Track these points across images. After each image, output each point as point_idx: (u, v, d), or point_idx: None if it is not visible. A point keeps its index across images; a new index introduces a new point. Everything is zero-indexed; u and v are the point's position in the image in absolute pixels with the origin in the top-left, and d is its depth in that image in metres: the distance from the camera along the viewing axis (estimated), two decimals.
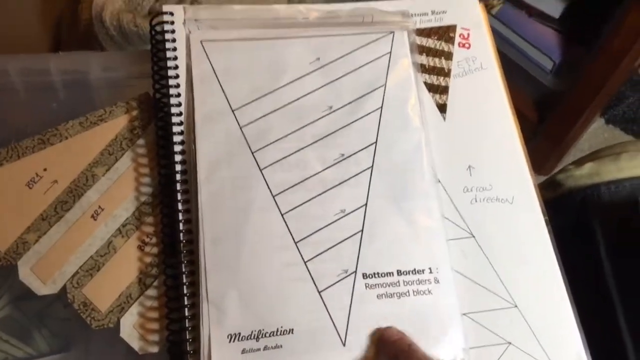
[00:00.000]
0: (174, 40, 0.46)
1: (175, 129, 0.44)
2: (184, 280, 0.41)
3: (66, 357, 0.45)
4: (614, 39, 0.98)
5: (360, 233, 0.43)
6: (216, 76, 0.45)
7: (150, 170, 0.45)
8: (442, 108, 0.47)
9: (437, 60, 0.48)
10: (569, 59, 1.10)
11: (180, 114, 0.44)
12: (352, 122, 0.45)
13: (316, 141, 0.45)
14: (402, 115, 0.46)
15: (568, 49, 1.11)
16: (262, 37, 0.47)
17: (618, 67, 1.00)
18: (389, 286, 0.42)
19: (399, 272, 0.42)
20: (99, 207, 0.44)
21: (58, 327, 0.45)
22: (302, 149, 0.44)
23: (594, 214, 0.53)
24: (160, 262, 0.43)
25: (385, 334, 0.40)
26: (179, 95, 0.45)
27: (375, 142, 0.45)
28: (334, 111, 0.45)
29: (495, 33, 1.12)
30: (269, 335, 0.40)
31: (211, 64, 0.46)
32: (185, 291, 0.41)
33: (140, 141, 0.46)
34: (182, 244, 0.41)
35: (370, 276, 0.42)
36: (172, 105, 0.44)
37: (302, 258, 0.42)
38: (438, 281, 0.42)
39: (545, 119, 1.17)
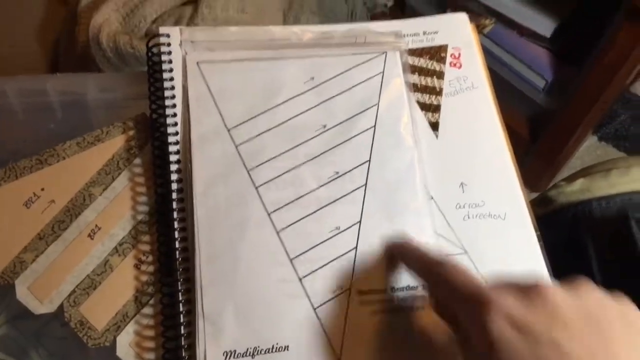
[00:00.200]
0: (170, 62, 0.47)
1: (172, 148, 0.44)
2: (180, 298, 0.41)
3: None
4: (604, 57, 0.99)
5: (354, 250, 0.43)
6: (212, 96, 0.46)
7: (146, 190, 0.45)
8: (434, 126, 0.48)
9: (429, 79, 0.49)
10: (560, 78, 1.12)
11: (176, 133, 0.45)
12: (346, 140, 0.46)
13: (311, 159, 0.45)
14: (395, 134, 0.47)
15: (560, 67, 1.12)
16: (257, 58, 0.48)
17: (609, 85, 1.01)
18: (383, 302, 0.42)
19: (393, 289, 0.42)
20: (96, 226, 0.44)
21: (55, 346, 0.46)
22: (297, 167, 0.45)
23: (586, 230, 0.54)
24: (156, 280, 0.43)
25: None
26: (175, 115, 0.45)
27: (369, 160, 0.45)
28: (328, 130, 0.46)
29: (488, 52, 1.15)
30: (265, 352, 0.40)
31: (207, 85, 0.46)
32: (181, 309, 0.41)
33: (137, 161, 0.46)
34: (178, 262, 0.42)
35: (365, 293, 0.42)
36: (169, 125, 0.45)
37: (297, 275, 0.42)
38: None
39: (539, 137, 1.18)
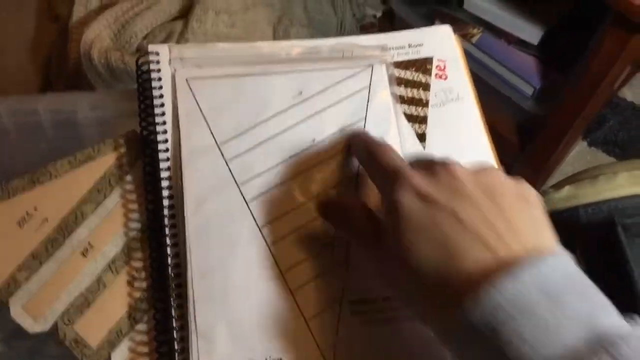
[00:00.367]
0: (159, 79, 0.47)
1: (163, 164, 0.45)
2: (173, 314, 0.41)
3: None
4: (592, 63, 1.00)
5: (345, 262, 0.44)
6: (202, 112, 0.47)
7: (138, 206, 0.46)
8: (421, 137, 0.49)
9: (415, 91, 0.50)
10: (548, 84, 1.13)
11: (167, 150, 0.45)
12: (335, 154, 0.47)
13: (301, 173, 0.46)
14: None
15: (547, 74, 1.13)
16: (246, 74, 0.49)
17: (597, 91, 1.02)
18: (375, 312, 0.43)
19: (384, 299, 0.43)
20: (89, 243, 0.45)
21: None
22: (287, 181, 0.45)
23: (573, 237, 0.54)
24: (149, 296, 0.43)
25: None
26: (165, 132, 0.46)
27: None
28: (317, 144, 0.47)
29: (476, 61, 1.16)
30: None
31: (196, 101, 0.47)
32: (174, 324, 0.41)
33: (128, 178, 0.47)
34: (170, 278, 0.42)
35: (357, 303, 0.43)
36: (159, 142, 0.45)
37: (289, 287, 0.42)
38: None
39: (528, 144, 1.19)
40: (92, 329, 0.43)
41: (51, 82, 1.07)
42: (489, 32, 1.17)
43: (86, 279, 0.44)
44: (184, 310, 0.41)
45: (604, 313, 0.31)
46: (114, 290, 0.44)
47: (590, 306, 0.30)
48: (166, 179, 0.44)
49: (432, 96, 0.50)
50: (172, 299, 0.42)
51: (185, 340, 0.41)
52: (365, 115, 0.48)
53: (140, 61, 0.48)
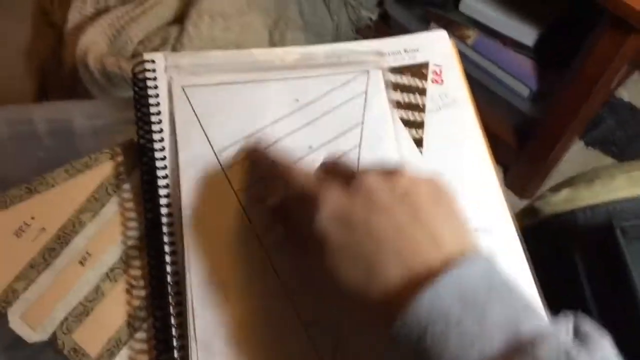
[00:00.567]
0: (156, 87, 0.47)
1: (160, 173, 0.45)
2: (173, 322, 0.41)
3: None
4: (587, 64, 1.00)
5: None
6: (198, 120, 0.47)
7: (136, 215, 0.46)
8: (418, 142, 0.49)
9: (411, 96, 0.50)
10: (545, 85, 1.13)
11: (164, 158, 0.45)
12: None
13: None
14: (380, 151, 0.47)
15: (543, 75, 1.13)
16: (241, 81, 0.48)
17: (593, 91, 1.03)
18: None
19: None
20: (87, 252, 0.45)
21: None
22: None
23: (572, 240, 0.54)
24: (148, 304, 0.43)
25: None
26: (162, 140, 0.46)
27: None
28: (314, 151, 0.47)
29: (472, 63, 1.16)
30: None
31: (193, 109, 0.47)
32: (174, 333, 0.41)
33: (126, 186, 0.47)
34: (170, 286, 0.42)
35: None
36: (156, 150, 0.45)
37: (287, 294, 0.42)
38: None
39: (525, 145, 1.19)
40: (91, 337, 0.43)
41: (47, 88, 1.07)
42: (485, 34, 1.17)
43: (84, 287, 0.44)
44: (183, 319, 0.41)
45: (525, 315, 0.31)
46: (113, 299, 0.44)
47: (510, 310, 0.31)
48: (164, 187, 0.44)
49: (429, 101, 0.50)
50: (171, 307, 0.42)
51: (184, 348, 0.41)
52: (362, 122, 0.48)
53: (136, 69, 0.48)
